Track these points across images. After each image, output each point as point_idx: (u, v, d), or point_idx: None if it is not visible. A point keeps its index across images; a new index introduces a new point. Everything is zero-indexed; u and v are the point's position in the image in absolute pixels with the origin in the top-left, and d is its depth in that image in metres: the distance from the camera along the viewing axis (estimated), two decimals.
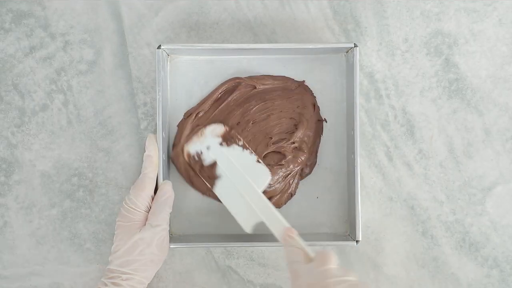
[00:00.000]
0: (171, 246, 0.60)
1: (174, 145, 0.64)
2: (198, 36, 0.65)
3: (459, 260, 0.65)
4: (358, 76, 0.60)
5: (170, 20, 0.65)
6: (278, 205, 0.63)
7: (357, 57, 0.60)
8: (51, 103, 0.65)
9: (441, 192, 0.65)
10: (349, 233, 0.63)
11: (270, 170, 0.59)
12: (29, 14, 0.65)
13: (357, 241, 0.60)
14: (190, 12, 0.65)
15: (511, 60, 0.66)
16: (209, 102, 0.64)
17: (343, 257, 0.65)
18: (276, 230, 0.56)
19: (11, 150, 0.65)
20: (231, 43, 0.65)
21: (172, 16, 0.65)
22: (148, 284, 0.60)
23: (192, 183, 0.64)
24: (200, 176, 0.61)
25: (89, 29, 0.65)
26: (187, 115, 0.64)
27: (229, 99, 0.64)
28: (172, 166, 0.65)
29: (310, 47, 0.61)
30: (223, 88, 0.64)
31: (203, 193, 0.64)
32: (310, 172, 0.64)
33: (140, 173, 0.60)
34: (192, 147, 0.61)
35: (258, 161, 0.59)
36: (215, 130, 0.61)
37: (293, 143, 0.63)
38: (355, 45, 0.60)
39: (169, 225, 0.61)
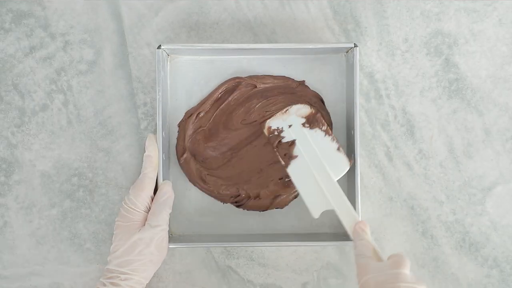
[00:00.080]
0: (171, 246, 0.60)
1: (177, 146, 0.64)
2: (198, 36, 0.65)
3: (459, 260, 0.65)
4: (358, 76, 0.60)
5: (170, 20, 0.65)
6: (282, 205, 0.63)
7: (357, 57, 0.60)
8: (51, 103, 0.65)
9: (441, 192, 0.65)
10: None
11: (350, 161, 0.59)
12: (29, 14, 0.65)
13: None
14: (190, 12, 0.65)
15: (511, 60, 0.66)
16: (210, 102, 0.64)
17: (343, 257, 0.65)
18: (347, 222, 0.56)
19: (11, 150, 0.65)
20: (231, 43, 0.65)
21: (172, 16, 0.65)
22: (148, 284, 0.60)
23: (204, 182, 0.63)
24: (276, 151, 0.61)
25: (89, 29, 0.65)
26: (188, 115, 0.64)
27: (230, 98, 0.64)
28: (172, 166, 0.65)
29: (310, 47, 0.61)
30: (223, 88, 0.64)
31: (211, 192, 0.64)
32: None
33: (140, 173, 0.60)
34: (274, 123, 0.61)
35: (338, 150, 0.59)
36: (300, 110, 0.61)
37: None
38: (355, 45, 0.60)
39: (169, 225, 0.61)
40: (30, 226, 0.65)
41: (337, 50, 0.63)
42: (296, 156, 0.59)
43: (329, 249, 0.65)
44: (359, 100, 0.61)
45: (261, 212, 0.64)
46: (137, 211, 0.58)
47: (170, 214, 0.60)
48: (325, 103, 0.65)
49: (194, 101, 0.65)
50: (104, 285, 0.56)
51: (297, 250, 0.65)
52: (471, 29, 0.65)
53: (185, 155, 0.63)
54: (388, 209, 0.65)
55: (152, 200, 0.60)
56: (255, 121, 0.63)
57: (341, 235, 0.63)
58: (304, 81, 0.64)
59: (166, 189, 0.60)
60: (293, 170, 0.59)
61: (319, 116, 0.60)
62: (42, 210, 0.65)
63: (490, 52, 0.65)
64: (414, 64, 0.65)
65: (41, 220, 0.65)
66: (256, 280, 0.65)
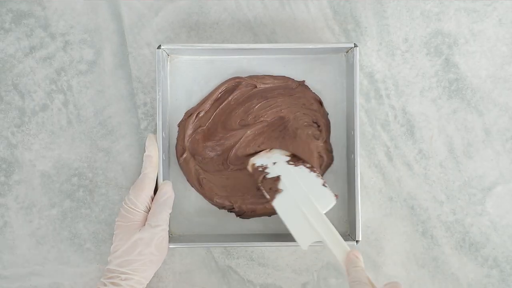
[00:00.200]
0: (171, 246, 0.60)
1: (177, 145, 0.64)
2: (198, 36, 0.65)
3: (459, 260, 0.65)
4: (358, 76, 0.60)
5: (170, 20, 0.65)
6: None
7: (357, 57, 0.60)
8: (51, 103, 0.65)
9: (441, 192, 0.65)
10: (349, 233, 0.63)
11: (336, 197, 0.58)
12: (29, 14, 0.65)
13: (357, 241, 0.60)
14: (190, 12, 0.65)
15: (511, 60, 0.66)
16: (210, 101, 0.64)
17: None
18: (337, 252, 0.55)
19: (11, 150, 0.65)
20: (231, 43, 0.65)
21: (172, 16, 0.65)
22: (148, 284, 0.60)
23: (200, 186, 0.63)
24: (261, 186, 0.61)
25: (89, 29, 0.65)
26: (188, 115, 0.64)
27: (230, 98, 0.64)
28: (172, 166, 0.65)
29: (310, 47, 0.61)
30: (223, 87, 0.64)
31: (206, 198, 0.64)
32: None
33: (140, 173, 0.60)
34: (259, 161, 0.62)
35: (323, 185, 0.59)
36: (283, 151, 0.62)
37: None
38: (355, 45, 0.60)
39: (169, 225, 0.61)
40: (30, 226, 0.65)
41: (337, 50, 0.63)
42: (281, 190, 0.59)
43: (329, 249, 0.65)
44: (359, 100, 0.61)
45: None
46: (137, 211, 0.58)
47: (170, 214, 0.60)
48: (325, 103, 0.65)
49: (194, 101, 0.65)
50: (105, 285, 0.56)
51: (297, 250, 0.65)
52: (471, 29, 0.65)
53: (184, 155, 0.63)
54: (388, 209, 0.65)
55: (152, 200, 0.60)
56: (250, 124, 0.63)
57: (341, 235, 0.63)
58: (304, 81, 0.64)
59: (166, 189, 0.60)
60: (278, 204, 0.59)
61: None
62: (42, 210, 0.65)
63: (490, 52, 0.66)
64: (414, 64, 0.65)
65: (41, 220, 0.65)
66: (256, 280, 0.65)
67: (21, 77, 0.65)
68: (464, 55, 0.65)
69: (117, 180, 0.65)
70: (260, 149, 0.63)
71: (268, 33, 0.65)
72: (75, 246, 0.65)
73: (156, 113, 0.61)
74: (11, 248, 0.65)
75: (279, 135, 0.63)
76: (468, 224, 0.65)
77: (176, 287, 0.65)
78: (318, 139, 0.63)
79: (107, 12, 0.65)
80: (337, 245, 0.56)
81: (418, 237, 0.65)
